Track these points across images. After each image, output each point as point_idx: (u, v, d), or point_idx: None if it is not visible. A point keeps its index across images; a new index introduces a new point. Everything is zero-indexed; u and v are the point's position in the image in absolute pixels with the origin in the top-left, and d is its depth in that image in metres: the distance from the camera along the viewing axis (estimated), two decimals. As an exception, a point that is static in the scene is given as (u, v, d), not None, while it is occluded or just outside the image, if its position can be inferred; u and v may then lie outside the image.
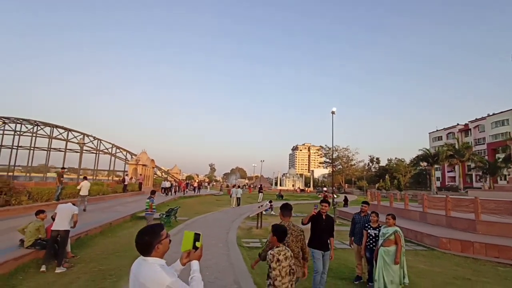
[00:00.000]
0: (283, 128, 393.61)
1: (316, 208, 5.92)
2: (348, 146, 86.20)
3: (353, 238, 7.03)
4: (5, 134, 47.96)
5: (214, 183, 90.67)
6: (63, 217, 6.35)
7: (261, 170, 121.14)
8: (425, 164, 68.04)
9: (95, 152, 50.91)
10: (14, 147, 47.91)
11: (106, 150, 50.71)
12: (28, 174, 50.99)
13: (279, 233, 3.39)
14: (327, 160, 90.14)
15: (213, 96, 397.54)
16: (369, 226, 6.44)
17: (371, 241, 6.31)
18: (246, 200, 31.07)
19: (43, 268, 6.22)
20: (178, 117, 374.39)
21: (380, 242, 5.87)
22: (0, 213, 10.87)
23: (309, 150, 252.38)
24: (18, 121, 47.63)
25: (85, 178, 16.96)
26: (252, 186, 69.37)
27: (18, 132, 47.91)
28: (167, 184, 31.27)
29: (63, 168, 15.64)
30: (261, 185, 33.19)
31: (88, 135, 49.85)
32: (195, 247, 2.21)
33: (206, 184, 55.61)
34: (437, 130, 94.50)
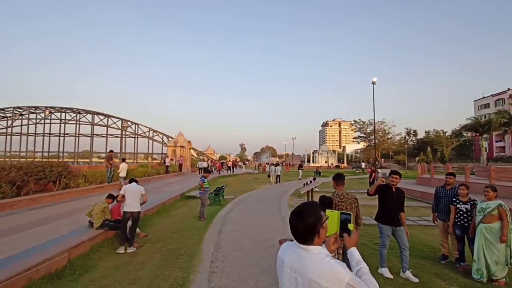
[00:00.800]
0: (312, 105, 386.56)
1: (384, 177, 5.39)
2: (384, 119, 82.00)
3: (436, 214, 6.32)
4: (52, 123, 51.30)
5: (246, 162, 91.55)
6: (134, 198, 6.28)
7: (293, 147, 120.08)
8: (470, 134, 62.99)
9: (133, 136, 52.94)
10: (61, 134, 51.07)
11: (144, 134, 52.58)
12: (75, 160, 54.45)
13: (324, 205, 3.78)
14: (361, 134, 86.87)
15: (240, 77, 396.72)
16: (458, 201, 5.71)
17: (461, 217, 5.60)
18: (284, 178, 30.83)
19: (121, 250, 6.23)
20: (208, 100, 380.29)
21: (478, 218, 5.14)
22: (62, 195, 11.39)
23: (339, 126, 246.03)
24: (63, 110, 50.52)
25: (123, 160, 17.42)
26: (284, 163, 68.95)
27: (64, 121, 50.91)
28: (204, 164, 31.58)
29: (111, 151, 16.12)
30: (301, 162, 32.64)
31: (126, 120, 51.74)
32: (345, 230, 1.74)
33: (241, 163, 55.87)
34: (483, 97, 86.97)
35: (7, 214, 8.43)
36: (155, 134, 52.09)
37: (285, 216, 10.26)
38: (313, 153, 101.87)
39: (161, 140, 53.25)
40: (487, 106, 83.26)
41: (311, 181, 19.37)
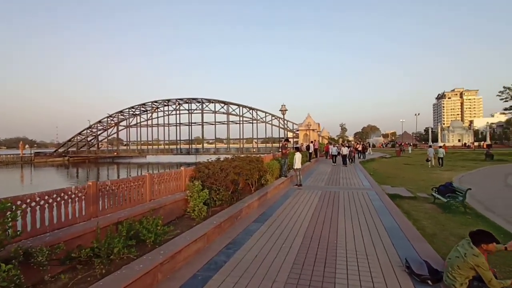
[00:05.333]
0: (420, 75, 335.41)
1: None
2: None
3: None
4: (182, 113, 56.05)
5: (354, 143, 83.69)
6: None
7: (416, 124, 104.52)
8: None
9: (251, 122, 53.11)
10: (190, 124, 55.41)
11: (261, 119, 52.16)
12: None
13: None
14: (516, 104, 67.19)
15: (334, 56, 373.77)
16: None
17: None
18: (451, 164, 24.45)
19: None
20: (305, 82, 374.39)
21: None
22: (264, 198, 9.22)
23: (461, 97, 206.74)
24: (189, 101, 54.41)
25: (297, 149, 14.61)
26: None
27: (190, 111, 54.93)
28: (345, 151, 24.19)
29: (286, 139, 13.85)
30: None
31: (244, 106, 52.18)
32: None
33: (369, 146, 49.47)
34: None
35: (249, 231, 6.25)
36: (273, 118, 50.92)
37: None
38: (441, 130, 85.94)
39: (277, 124, 51.88)
40: None
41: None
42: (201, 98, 53.41)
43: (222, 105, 53.26)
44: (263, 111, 51.97)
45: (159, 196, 6.41)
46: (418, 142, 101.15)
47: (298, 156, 13.13)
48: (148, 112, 58.03)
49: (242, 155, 10.04)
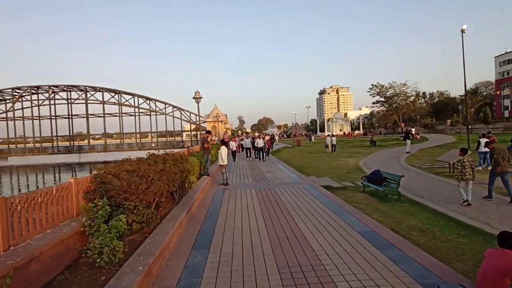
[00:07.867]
0: (306, 74, 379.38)
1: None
2: (407, 81, 77.43)
3: None
4: (57, 103, 45.45)
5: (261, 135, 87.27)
6: None
7: (308, 116, 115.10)
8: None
9: (149, 113, 47.73)
10: (70, 116, 45.58)
11: (161, 111, 47.34)
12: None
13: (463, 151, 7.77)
14: (381, 99, 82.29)
15: (232, 51, 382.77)
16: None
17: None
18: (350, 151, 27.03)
19: None
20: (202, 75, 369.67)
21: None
22: (192, 211, 7.07)
23: (337, 93, 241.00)
24: (68, 89, 44.55)
25: (223, 142, 12.73)
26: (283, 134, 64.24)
27: (70, 100, 45.13)
28: (260, 143, 21.67)
29: (207, 132, 11.62)
30: (408, 130, 28.20)
31: (140, 96, 46.34)
32: None
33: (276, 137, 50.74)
34: (506, 53, 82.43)
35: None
36: (175, 109, 46.87)
37: None
38: (327, 121, 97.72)
39: (179, 117, 48.12)
40: (510, 62, 79.57)
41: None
42: (85, 86, 44.42)
43: (113, 94, 45.78)
44: (162, 102, 47.18)
45: (29, 236, 3.54)
46: (308, 132, 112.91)
47: (224, 151, 11.33)
48: (8, 101, 44.92)
49: (161, 152, 7.54)
